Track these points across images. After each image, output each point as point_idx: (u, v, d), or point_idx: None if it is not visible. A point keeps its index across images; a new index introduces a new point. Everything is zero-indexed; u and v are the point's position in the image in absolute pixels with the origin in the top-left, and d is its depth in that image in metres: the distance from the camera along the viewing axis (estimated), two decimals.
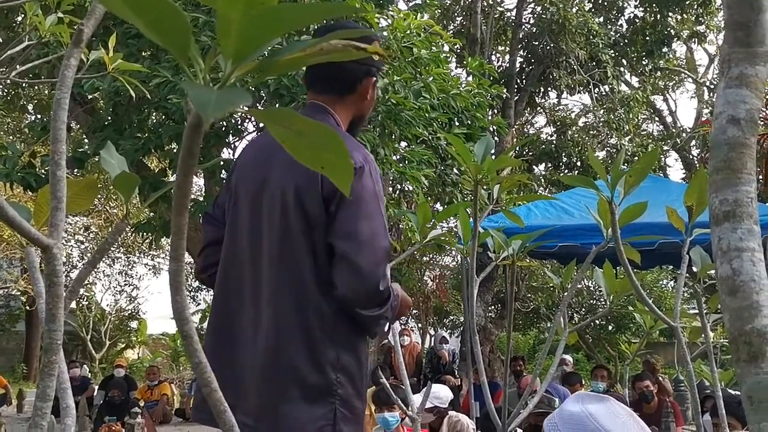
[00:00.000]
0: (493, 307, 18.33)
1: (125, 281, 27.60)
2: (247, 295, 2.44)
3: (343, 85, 2.53)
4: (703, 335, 3.20)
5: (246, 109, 0.91)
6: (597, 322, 23.01)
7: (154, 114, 8.48)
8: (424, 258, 20.99)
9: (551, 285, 21.68)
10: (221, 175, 8.59)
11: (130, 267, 27.31)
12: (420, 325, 24.50)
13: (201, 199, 9.74)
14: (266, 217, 2.44)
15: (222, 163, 8.42)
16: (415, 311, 24.77)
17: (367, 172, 2.33)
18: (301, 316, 2.33)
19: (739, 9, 1.06)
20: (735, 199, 1.01)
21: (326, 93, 2.55)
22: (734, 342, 0.98)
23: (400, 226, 12.11)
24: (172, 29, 0.77)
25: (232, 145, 9.38)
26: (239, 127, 8.70)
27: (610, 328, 23.35)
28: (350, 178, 0.93)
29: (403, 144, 8.70)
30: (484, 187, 2.90)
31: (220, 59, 0.86)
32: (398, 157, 8.36)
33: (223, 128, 8.51)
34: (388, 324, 2.48)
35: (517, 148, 17.97)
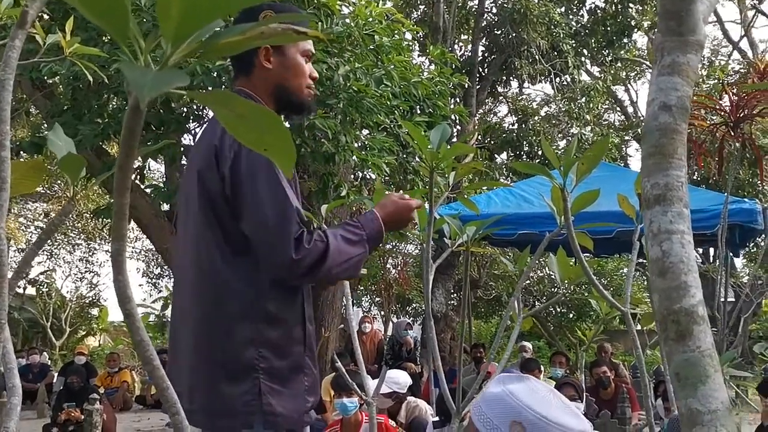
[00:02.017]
0: (454, 294, 18.40)
1: (86, 268, 27.32)
2: (181, 282, 2.55)
3: (242, 64, 2.57)
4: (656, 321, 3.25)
5: (185, 92, 0.92)
6: (558, 309, 23.19)
7: (114, 99, 8.40)
8: (387, 246, 21.03)
9: (513, 273, 21.80)
10: (182, 162, 8.54)
11: (90, 254, 27.04)
12: (383, 312, 24.53)
13: (161, 185, 9.69)
14: (184, 203, 2.55)
15: (182, 149, 8.38)
16: (377, 299, 24.81)
17: (246, 150, 2.34)
18: (215, 297, 2.38)
19: None
20: (666, 183, 1.04)
21: (239, 76, 2.60)
22: (663, 321, 1.00)
23: (362, 212, 12.12)
24: (110, 10, 0.78)
25: (193, 131, 9.33)
26: (199, 113, 8.65)
27: (570, 315, 23.51)
28: (293, 159, 0.95)
29: (365, 131, 8.69)
30: (441, 173, 2.93)
31: (165, 42, 0.87)
32: (359, 144, 8.37)
33: (184, 114, 8.46)
34: (369, 245, 2.50)
35: (479, 137, 18.02)
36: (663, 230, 1.03)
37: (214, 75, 7.02)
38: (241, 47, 0.92)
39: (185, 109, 8.51)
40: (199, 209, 2.41)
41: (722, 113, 4.32)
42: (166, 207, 9.93)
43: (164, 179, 12.15)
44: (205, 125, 2.73)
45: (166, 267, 24.04)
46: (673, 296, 1.00)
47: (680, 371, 0.96)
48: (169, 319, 2.67)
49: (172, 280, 2.65)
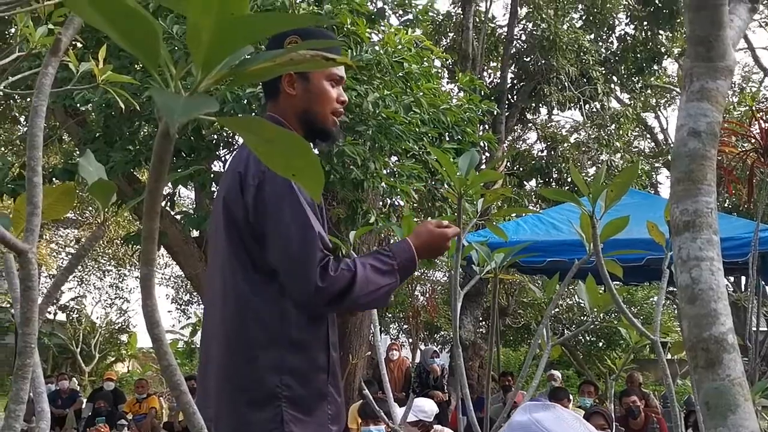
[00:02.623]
0: (483, 322, 18.32)
1: (116, 294, 27.51)
2: (209, 308, 2.56)
3: (270, 90, 2.60)
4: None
5: (214, 118, 0.93)
6: (587, 338, 23.02)
7: (145, 126, 8.49)
8: (415, 273, 20.98)
9: (542, 301, 21.69)
10: (212, 188, 8.60)
11: (120, 280, 27.23)
12: (411, 340, 24.47)
13: (191, 212, 9.76)
14: (213, 231, 2.57)
15: (212, 176, 8.43)
16: (405, 326, 24.76)
17: (270, 177, 2.35)
18: (240, 323, 2.38)
19: (701, 25, 1.09)
20: (695, 210, 1.04)
21: (269, 102, 2.61)
22: (692, 349, 1.00)
23: (391, 241, 12.13)
24: (142, 37, 0.79)
25: (223, 158, 9.40)
26: (230, 140, 8.72)
27: (600, 344, 23.34)
28: (321, 184, 0.95)
29: (394, 158, 8.72)
30: (469, 200, 2.93)
31: (194, 70, 0.88)
32: (388, 171, 8.38)
33: (214, 141, 8.53)
34: (400, 275, 2.48)
35: (509, 164, 18.00)
36: (692, 257, 1.02)
37: (245, 102, 7.07)
38: (270, 74, 0.92)
39: (215, 136, 8.58)
40: (225, 236, 2.43)
41: (752, 140, 4.30)
42: (195, 233, 10.00)
43: (194, 206, 12.23)
44: (233, 154, 2.76)
45: (195, 293, 24.14)
46: (702, 324, 0.99)
47: (710, 400, 0.95)
48: (199, 346, 2.68)
49: (202, 306, 2.67)
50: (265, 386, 2.33)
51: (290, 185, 2.34)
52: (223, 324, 2.42)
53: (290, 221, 2.33)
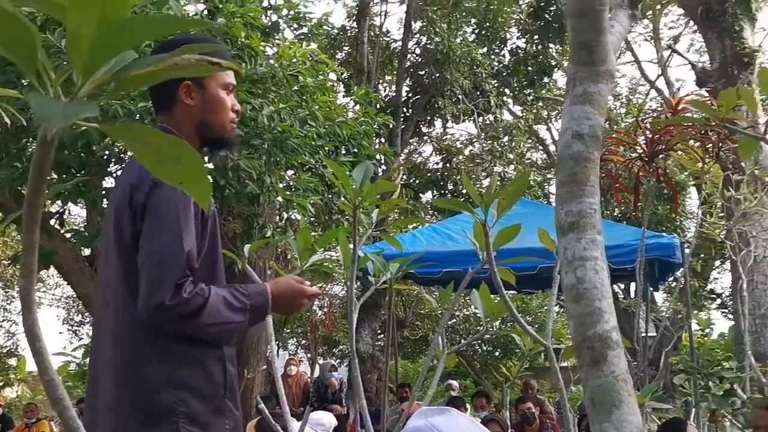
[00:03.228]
0: (381, 335, 18.37)
1: (3, 317, 26.59)
2: (101, 325, 2.48)
3: (163, 100, 2.53)
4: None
5: (98, 125, 0.91)
6: (484, 347, 23.29)
7: (33, 143, 8.25)
8: (313, 287, 20.86)
9: (439, 312, 21.87)
10: (103, 205, 8.42)
11: (8, 302, 26.34)
12: (309, 355, 24.37)
13: (82, 229, 9.52)
14: (104, 247, 2.50)
15: (103, 192, 8.25)
16: (303, 341, 24.63)
17: (157, 187, 2.30)
18: (133, 340, 2.33)
19: (583, 30, 1.11)
20: (579, 211, 1.06)
21: (161, 113, 2.55)
22: (578, 347, 1.02)
23: (288, 256, 12.06)
24: (18, 41, 0.77)
25: (114, 174, 9.21)
26: (122, 156, 8.55)
27: (496, 353, 23.64)
28: (208, 193, 0.94)
29: (290, 172, 8.68)
30: (364, 212, 2.94)
31: (75, 74, 0.86)
32: (284, 184, 8.35)
33: (105, 157, 8.35)
34: (250, 316, 2.41)
35: (404, 177, 18.14)
36: (577, 257, 1.04)
37: (137, 117, 6.95)
38: (154, 79, 0.91)
39: (107, 152, 8.40)
40: (116, 251, 2.38)
41: (638, 148, 4.44)
42: (86, 252, 9.75)
43: (85, 224, 11.94)
44: (124, 167, 2.69)
45: (86, 314, 23.54)
46: (587, 322, 1.01)
47: (595, 396, 0.97)
48: (88, 368, 2.59)
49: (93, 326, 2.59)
50: (160, 403, 2.28)
51: (176, 198, 2.29)
52: (115, 341, 2.36)
53: (162, 231, 2.28)
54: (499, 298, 3.25)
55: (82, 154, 7.86)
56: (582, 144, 1.10)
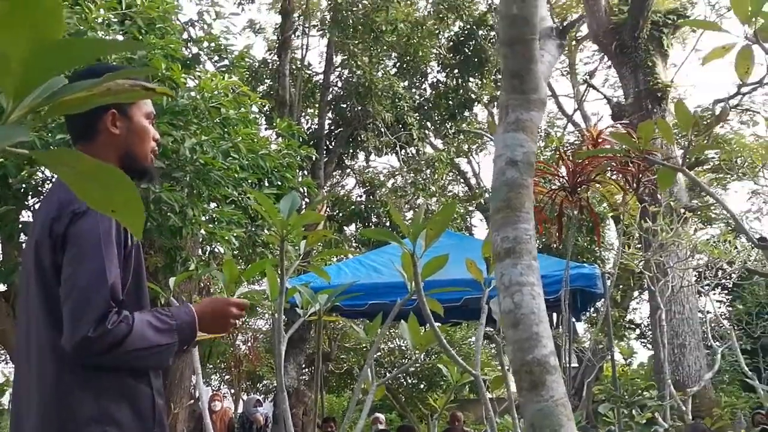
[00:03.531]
0: (306, 369, 18.25)
1: None
2: (23, 363, 2.40)
3: (84, 129, 2.46)
4: (505, 386, 3.30)
5: (27, 152, 0.89)
6: (409, 380, 23.30)
7: None
8: (237, 322, 20.68)
9: (364, 346, 21.82)
10: (20, 239, 8.22)
11: None
12: (233, 390, 24.08)
13: None
14: (24, 280, 2.43)
15: (20, 225, 8.06)
16: (227, 377, 24.33)
17: (91, 213, 2.26)
18: (54, 374, 2.27)
19: (515, 59, 1.13)
20: (515, 237, 1.07)
21: (80, 142, 2.47)
22: (517, 372, 1.02)
23: (211, 289, 11.93)
24: None
25: (32, 207, 9.00)
26: (39, 188, 8.37)
27: (421, 386, 23.66)
28: (141, 220, 0.92)
29: (213, 204, 8.60)
30: (291, 242, 2.92)
31: (2, 100, 0.84)
32: (207, 217, 8.26)
33: (22, 189, 8.16)
34: (178, 336, 2.37)
35: (328, 209, 18.13)
36: (514, 282, 1.05)
37: (54, 149, 6.82)
38: (87, 104, 0.89)
39: (24, 185, 8.21)
40: (36, 285, 2.32)
41: (560, 179, 4.52)
42: (2, 287, 9.49)
43: (0, 258, 11.63)
44: (41, 201, 2.62)
45: (2, 350, 22.92)
46: (525, 347, 1.02)
47: (535, 421, 0.97)
48: (10, 406, 2.51)
49: (11, 364, 2.52)
50: None
51: (97, 227, 2.24)
52: (39, 377, 2.29)
53: (86, 264, 2.22)
54: (425, 330, 3.26)
55: None
56: (516, 171, 1.11)
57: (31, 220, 8.50)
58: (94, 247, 2.24)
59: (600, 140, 4.67)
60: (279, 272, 2.86)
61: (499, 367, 3.47)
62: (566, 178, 4.52)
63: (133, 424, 2.31)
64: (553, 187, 4.57)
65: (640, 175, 4.62)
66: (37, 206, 9.09)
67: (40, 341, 2.31)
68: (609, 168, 4.64)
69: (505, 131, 1.14)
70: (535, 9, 1.11)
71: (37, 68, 0.79)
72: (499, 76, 18.66)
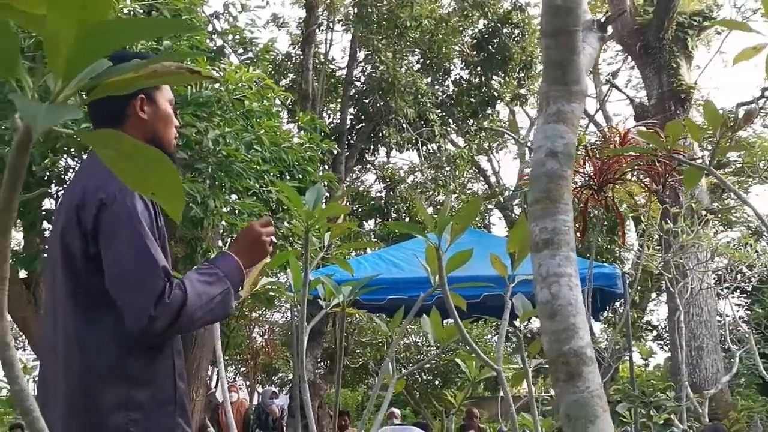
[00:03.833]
0: (322, 363, 18.29)
1: None
2: (48, 350, 2.44)
3: (111, 115, 2.48)
4: (525, 383, 3.30)
5: (71, 131, 0.90)
6: (424, 377, 23.29)
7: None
8: (253, 314, 20.78)
9: (380, 341, 21.84)
10: (42, 227, 8.27)
11: None
12: (248, 382, 24.16)
13: (20, 251, 9.33)
14: (51, 269, 2.46)
15: (44, 213, 8.11)
16: (243, 368, 24.41)
17: (119, 199, 2.29)
18: (80, 362, 2.30)
19: (558, 49, 1.13)
20: (553, 228, 1.07)
21: (106, 127, 2.48)
22: (553, 363, 1.02)
23: None
24: (2, 46, 0.75)
25: (55, 195, 9.05)
26: (62, 176, 8.42)
27: (436, 382, 23.66)
28: (182, 201, 0.93)
29: (234, 196, 8.62)
30: (315, 234, 2.93)
31: (50, 81, 0.85)
32: (228, 209, 8.28)
33: (46, 177, 8.21)
34: (230, 281, 2.43)
35: (348, 204, 18.15)
36: (552, 273, 1.05)
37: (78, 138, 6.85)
38: (132, 86, 0.90)
39: (48, 173, 8.26)
40: (63, 274, 2.34)
41: (586, 177, 4.51)
42: (23, 274, 9.54)
43: (21, 246, 11.70)
44: (66, 188, 2.64)
45: (21, 338, 23.07)
46: (562, 338, 1.02)
47: (571, 411, 0.97)
48: (35, 395, 2.52)
49: (29, 351, 2.55)
50: (111, 425, 2.25)
51: (129, 212, 2.27)
52: (65, 366, 2.32)
53: (127, 248, 2.26)
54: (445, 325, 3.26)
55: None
56: (556, 162, 1.11)
57: (53, 208, 8.56)
58: (132, 230, 2.27)
59: (628, 139, 4.66)
60: (303, 263, 2.87)
61: (518, 364, 3.46)
62: (592, 176, 4.50)
63: (155, 407, 2.33)
64: (578, 184, 4.58)
65: (666, 175, 4.60)
66: (60, 194, 9.15)
67: (67, 331, 2.33)
68: (636, 167, 4.63)
69: (545, 122, 1.14)
70: (580, 0, 1.11)
71: (86, 49, 0.80)
72: (522, 75, 18.71)
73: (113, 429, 2.25)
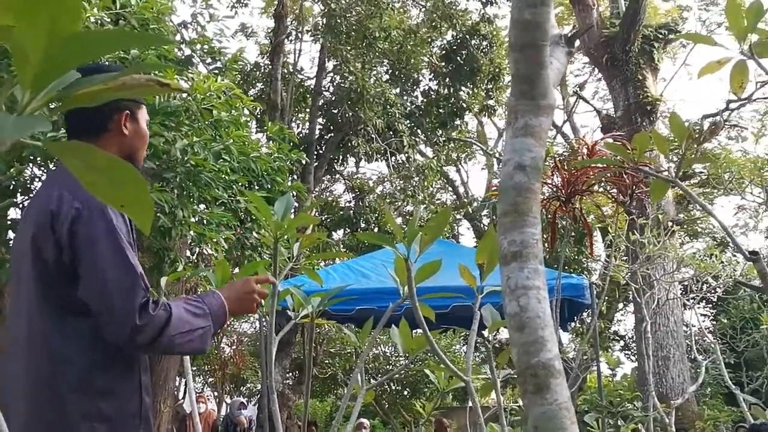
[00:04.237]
0: (290, 373, 18.24)
1: None
2: (11, 356, 2.41)
3: (92, 125, 2.47)
4: (493, 393, 3.31)
5: (38, 143, 0.89)
6: (393, 387, 23.28)
7: None
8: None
9: (349, 351, 21.82)
10: (7, 236, 8.18)
11: None
12: (216, 393, 24.04)
13: None
14: (15, 273, 2.45)
15: (9, 222, 8.02)
16: (210, 379, 24.28)
17: (95, 210, 2.30)
18: (49, 370, 2.29)
19: (525, 63, 1.14)
20: (522, 240, 1.08)
21: (83, 138, 2.47)
22: (522, 375, 1.03)
23: (199, 290, 11.91)
24: None
25: (20, 204, 8.97)
26: (28, 186, 8.34)
27: (405, 393, 23.66)
28: (150, 216, 0.93)
29: (202, 206, 8.58)
30: (285, 245, 2.92)
31: (17, 92, 0.84)
32: (197, 218, 8.24)
33: (11, 187, 8.13)
34: (212, 320, 2.45)
35: (317, 214, 18.14)
36: (520, 286, 1.06)
37: (44, 147, 6.79)
38: (101, 98, 0.89)
39: (13, 182, 8.17)
40: (33, 279, 2.32)
41: (554, 188, 4.54)
42: None
43: None
44: (37, 192, 2.62)
45: None
46: (530, 350, 1.03)
47: (539, 424, 0.98)
48: None
49: None
50: None
51: (107, 222, 2.28)
52: (28, 372, 2.30)
53: (109, 258, 2.26)
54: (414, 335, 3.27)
55: None
56: (524, 175, 1.12)
57: (19, 217, 8.47)
58: (112, 240, 2.28)
59: (595, 150, 4.70)
60: (271, 273, 2.86)
61: (487, 374, 3.48)
62: (560, 187, 4.54)
63: (120, 421, 2.32)
64: (547, 195, 4.60)
65: (634, 187, 4.65)
66: (25, 203, 9.05)
67: (31, 335, 2.33)
68: (603, 179, 4.68)
69: (513, 136, 1.15)
70: (548, 15, 1.12)
71: (55, 60, 0.79)
72: (490, 86, 18.80)
73: None
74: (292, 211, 2.86)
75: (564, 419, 0.98)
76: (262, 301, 2.64)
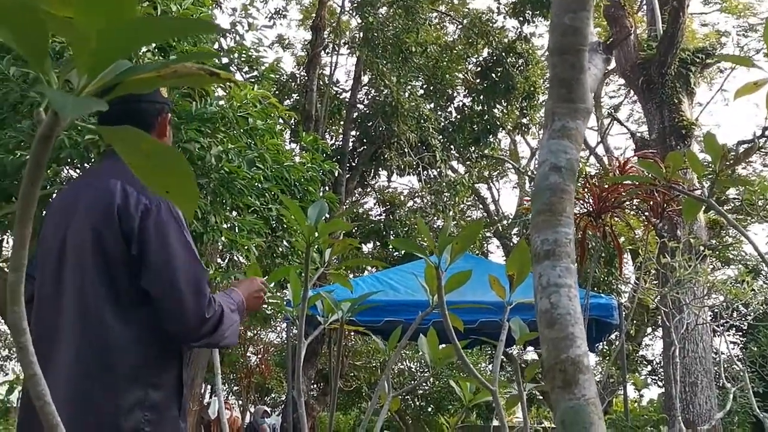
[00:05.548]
0: (315, 385, 18.26)
1: None
2: (53, 341, 2.43)
3: (140, 124, 2.47)
4: (518, 411, 3.32)
5: (90, 126, 0.92)
6: (417, 402, 23.24)
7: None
8: (248, 334, 20.76)
9: (374, 364, 21.82)
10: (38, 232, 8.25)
11: None
12: (240, 401, 24.11)
13: None
14: (69, 261, 2.45)
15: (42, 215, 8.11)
16: (236, 387, 24.35)
17: (164, 205, 2.38)
18: (103, 359, 2.34)
19: (563, 67, 1.16)
20: (555, 239, 1.10)
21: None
22: (550, 370, 1.05)
23: None
24: (31, 36, 0.78)
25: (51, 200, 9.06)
26: (63, 184, 8.43)
27: (429, 409, 23.62)
28: (195, 203, 0.96)
29: (234, 213, 8.64)
30: (316, 250, 2.95)
31: (73, 78, 0.87)
32: (228, 225, 8.30)
33: (47, 188, 8.23)
34: (241, 316, 2.56)
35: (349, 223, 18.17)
36: (552, 283, 1.08)
37: (82, 148, 6.87)
38: (152, 85, 0.92)
39: (50, 184, 8.27)
40: (93, 266, 2.36)
41: (585, 204, 4.55)
42: None
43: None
44: (86, 182, 2.64)
45: (13, 350, 22.98)
46: (560, 346, 1.05)
47: (566, 418, 1.00)
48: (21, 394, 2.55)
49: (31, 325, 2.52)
50: (129, 422, 2.29)
51: (176, 218, 2.36)
52: (80, 356, 2.33)
53: (180, 252, 2.35)
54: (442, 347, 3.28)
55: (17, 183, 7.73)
56: (559, 176, 1.14)
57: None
58: (181, 236, 2.39)
59: (627, 168, 4.70)
60: (303, 279, 2.89)
61: (512, 390, 3.48)
62: (591, 203, 4.54)
63: (166, 409, 2.42)
64: (578, 212, 4.61)
65: (665, 205, 4.65)
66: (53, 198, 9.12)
67: (88, 319, 2.36)
68: (634, 196, 4.67)
69: (550, 138, 1.18)
70: (587, 20, 1.15)
71: (112, 46, 0.82)
72: (524, 104, 18.76)
73: (130, 424, 2.29)
74: (326, 213, 2.90)
75: (591, 414, 1.00)
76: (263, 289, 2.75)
